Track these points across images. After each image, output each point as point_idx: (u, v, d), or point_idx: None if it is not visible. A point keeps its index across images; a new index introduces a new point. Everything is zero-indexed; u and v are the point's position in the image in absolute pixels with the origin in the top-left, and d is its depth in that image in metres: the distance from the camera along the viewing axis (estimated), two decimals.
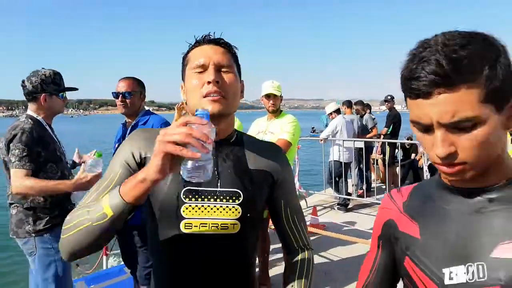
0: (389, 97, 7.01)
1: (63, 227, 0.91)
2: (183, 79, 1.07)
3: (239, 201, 1.02)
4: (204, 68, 1.01)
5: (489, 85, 0.62)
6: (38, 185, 2.03)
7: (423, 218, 0.80)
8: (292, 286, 1.09)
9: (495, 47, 0.64)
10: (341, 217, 5.61)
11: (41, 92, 2.23)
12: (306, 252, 1.17)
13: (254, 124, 3.36)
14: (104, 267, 4.17)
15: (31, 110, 2.25)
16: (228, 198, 1.01)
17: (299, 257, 1.15)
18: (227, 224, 1.00)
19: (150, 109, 2.72)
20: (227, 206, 1.01)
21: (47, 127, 2.24)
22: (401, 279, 0.87)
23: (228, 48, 1.06)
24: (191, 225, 0.99)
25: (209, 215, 1.00)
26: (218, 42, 1.05)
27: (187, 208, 0.99)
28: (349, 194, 6.30)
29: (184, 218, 0.99)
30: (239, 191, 1.02)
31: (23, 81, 2.24)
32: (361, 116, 7.19)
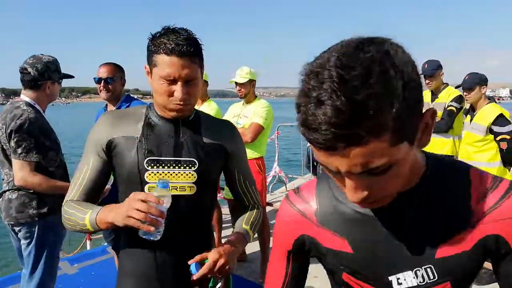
0: None
1: (62, 219, 1.21)
2: (148, 64, 1.19)
3: (195, 168, 1.21)
4: (172, 80, 1.13)
5: (400, 125, 0.53)
6: (46, 184, 2.08)
7: (347, 229, 0.75)
8: (242, 217, 1.34)
9: (401, 67, 0.54)
10: None
11: (47, 79, 2.21)
12: (256, 207, 1.40)
13: (231, 108, 3.52)
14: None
15: (30, 97, 2.20)
16: (185, 165, 1.21)
17: (250, 208, 1.39)
18: (184, 186, 1.21)
19: (135, 97, 2.83)
20: (184, 172, 1.21)
21: (44, 115, 2.23)
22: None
23: (196, 56, 1.15)
24: (153, 188, 1.17)
25: (169, 180, 1.19)
26: (187, 54, 1.12)
27: (150, 174, 1.18)
28: None
29: (148, 183, 1.18)
30: (194, 160, 1.22)
31: (24, 68, 2.18)
32: None
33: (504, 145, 3.10)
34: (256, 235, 3.62)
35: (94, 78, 2.59)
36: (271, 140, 6.87)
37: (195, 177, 1.21)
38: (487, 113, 3.23)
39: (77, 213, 1.14)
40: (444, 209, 0.69)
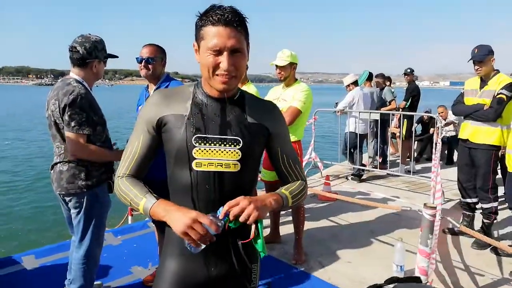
0: (408, 70, 6.93)
1: (115, 191, 1.29)
2: (196, 40, 1.24)
3: (239, 146, 1.25)
4: (219, 51, 1.17)
5: None
6: (98, 153, 2.29)
7: None
8: (286, 186, 1.36)
9: None
10: (354, 187, 5.79)
11: (95, 58, 2.34)
12: (302, 182, 1.41)
13: (271, 92, 3.54)
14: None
15: (78, 75, 2.32)
16: (230, 143, 1.25)
17: (295, 181, 1.41)
18: (229, 163, 1.25)
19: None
20: (229, 150, 1.25)
21: (92, 92, 2.39)
22: None
23: (241, 27, 1.19)
24: (200, 164, 1.24)
25: (215, 156, 1.24)
26: (232, 23, 1.16)
27: (197, 151, 1.23)
28: (364, 166, 6.44)
29: (195, 159, 1.24)
30: (239, 138, 1.26)
31: (74, 47, 2.30)
32: (381, 89, 7.20)
33: None
34: (291, 218, 3.66)
35: (136, 58, 2.69)
36: (308, 123, 6.83)
37: (239, 155, 1.25)
38: None
39: (132, 196, 1.24)
40: None
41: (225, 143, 1.25)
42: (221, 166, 1.24)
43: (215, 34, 1.16)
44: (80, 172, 2.29)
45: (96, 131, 2.31)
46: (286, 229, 3.90)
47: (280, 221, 3.86)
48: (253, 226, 1.17)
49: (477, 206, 3.91)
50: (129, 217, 4.69)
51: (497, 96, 3.49)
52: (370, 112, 6.10)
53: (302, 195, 1.37)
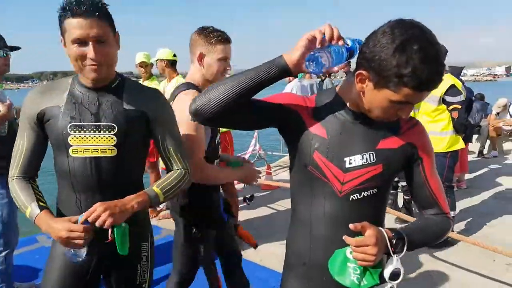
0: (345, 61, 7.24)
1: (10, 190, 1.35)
2: (61, 34, 1.27)
3: (114, 132, 1.32)
4: (83, 42, 1.22)
5: None
6: None
7: (330, 124, 1.13)
8: (159, 182, 1.41)
9: None
10: None
11: None
12: (182, 170, 1.46)
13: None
14: None
15: None
16: (105, 130, 1.32)
17: (173, 171, 1.46)
18: (105, 149, 1.32)
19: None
20: (104, 136, 1.32)
21: None
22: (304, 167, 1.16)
23: (102, 17, 1.23)
24: (77, 150, 1.31)
25: (90, 143, 1.31)
26: (93, 14, 1.20)
27: (72, 138, 1.30)
28: None
29: (72, 146, 1.30)
30: (114, 124, 1.32)
31: None
32: (322, 81, 7.47)
33: (455, 114, 3.24)
34: None
35: None
36: None
37: (114, 140, 1.32)
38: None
39: (20, 203, 1.33)
40: (386, 125, 1.12)
41: (99, 129, 1.31)
42: (96, 151, 1.31)
43: (76, 26, 1.20)
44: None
45: None
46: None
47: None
48: (109, 231, 1.24)
49: (399, 184, 4.22)
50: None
51: None
52: None
53: (179, 186, 1.42)
